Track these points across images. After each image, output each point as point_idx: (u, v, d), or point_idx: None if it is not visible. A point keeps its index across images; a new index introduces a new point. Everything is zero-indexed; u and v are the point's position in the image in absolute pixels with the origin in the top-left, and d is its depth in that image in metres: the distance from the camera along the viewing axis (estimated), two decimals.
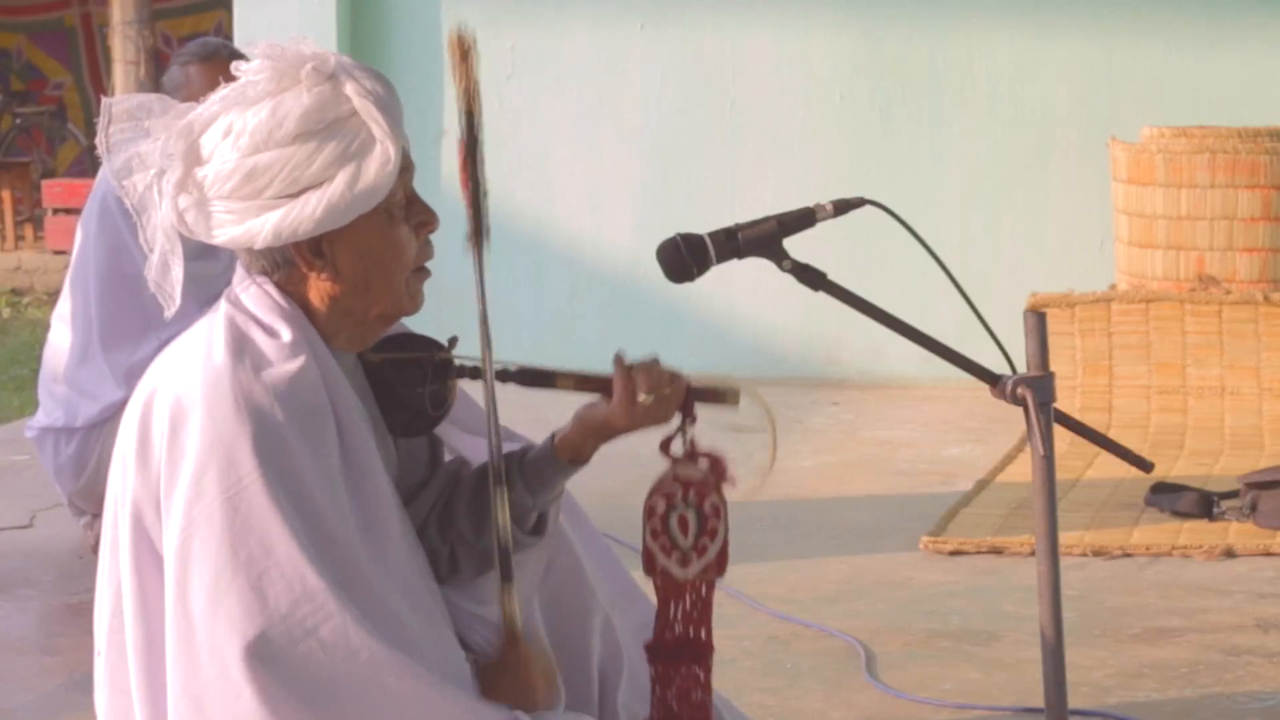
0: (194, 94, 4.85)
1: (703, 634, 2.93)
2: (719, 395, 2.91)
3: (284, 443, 2.62)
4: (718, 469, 2.91)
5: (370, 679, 2.60)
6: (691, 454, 2.91)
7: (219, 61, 5.05)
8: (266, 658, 2.57)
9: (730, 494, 2.92)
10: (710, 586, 2.93)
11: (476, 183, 2.81)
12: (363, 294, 2.75)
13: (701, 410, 2.91)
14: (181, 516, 2.62)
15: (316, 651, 2.58)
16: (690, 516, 2.90)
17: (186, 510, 2.62)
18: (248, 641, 2.57)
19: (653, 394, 2.83)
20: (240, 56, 5.04)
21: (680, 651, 2.92)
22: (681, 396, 2.87)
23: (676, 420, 2.89)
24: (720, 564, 2.92)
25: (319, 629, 2.59)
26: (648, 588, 2.99)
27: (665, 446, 2.90)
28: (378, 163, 2.69)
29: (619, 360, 2.85)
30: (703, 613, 2.93)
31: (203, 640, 2.59)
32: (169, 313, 2.81)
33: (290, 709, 2.58)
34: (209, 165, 2.69)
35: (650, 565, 2.91)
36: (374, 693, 2.60)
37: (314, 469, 2.64)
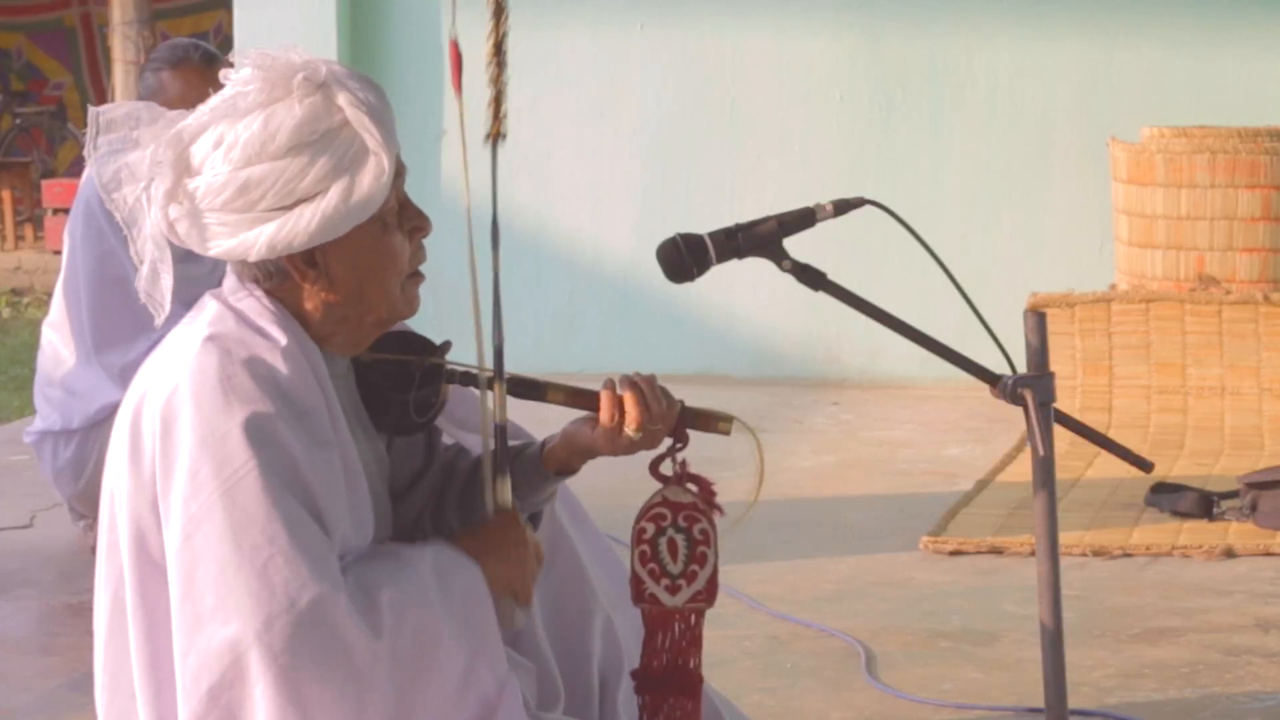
0: (169, 100, 4.82)
1: (691, 664, 2.92)
2: (711, 422, 2.89)
3: (276, 432, 2.62)
4: (706, 493, 2.90)
5: (378, 662, 2.60)
6: (681, 477, 2.89)
7: (190, 66, 5.02)
8: (278, 647, 2.57)
9: (719, 522, 2.91)
10: (699, 616, 2.91)
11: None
12: (357, 302, 2.75)
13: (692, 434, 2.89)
14: (181, 514, 2.62)
15: (327, 637, 2.58)
16: (679, 540, 2.89)
17: (185, 507, 2.61)
18: (258, 632, 2.57)
19: (641, 431, 2.82)
20: (215, 57, 5.01)
21: (667, 681, 2.91)
22: (672, 424, 2.85)
23: (666, 443, 2.88)
24: (710, 592, 2.90)
25: (327, 615, 2.59)
26: None
27: (655, 468, 2.89)
28: (371, 174, 2.68)
29: (609, 389, 2.82)
30: (691, 643, 2.92)
31: (212, 635, 2.59)
32: (159, 320, 2.81)
33: (303, 696, 2.58)
34: (200, 177, 2.69)
35: (639, 592, 2.90)
36: (384, 675, 2.61)
37: (308, 456, 2.63)
